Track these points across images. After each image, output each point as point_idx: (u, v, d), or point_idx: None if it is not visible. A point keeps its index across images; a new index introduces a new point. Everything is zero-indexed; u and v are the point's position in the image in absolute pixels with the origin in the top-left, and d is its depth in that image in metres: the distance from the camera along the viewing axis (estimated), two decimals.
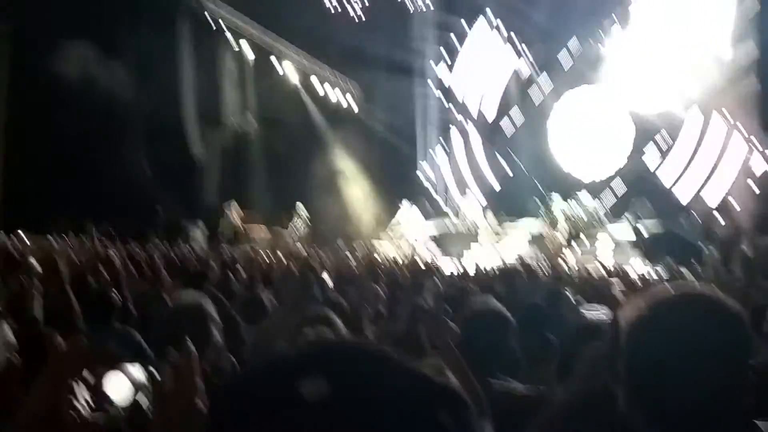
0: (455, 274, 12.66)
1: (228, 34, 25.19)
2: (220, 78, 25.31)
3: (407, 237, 23.26)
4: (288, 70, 26.28)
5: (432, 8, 26.64)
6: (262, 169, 26.00)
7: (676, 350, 1.44)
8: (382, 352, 0.82)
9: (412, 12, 26.54)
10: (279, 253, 17.38)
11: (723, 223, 20.99)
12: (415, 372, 0.80)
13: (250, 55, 25.80)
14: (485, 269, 12.76)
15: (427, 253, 21.32)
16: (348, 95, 27.98)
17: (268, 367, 0.81)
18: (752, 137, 21.72)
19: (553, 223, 21.93)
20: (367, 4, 28.07)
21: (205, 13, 24.32)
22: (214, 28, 24.84)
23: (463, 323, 3.45)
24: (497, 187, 26.00)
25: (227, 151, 26.68)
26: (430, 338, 3.19)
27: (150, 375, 1.21)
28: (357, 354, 0.81)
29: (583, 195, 23.22)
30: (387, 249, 22.35)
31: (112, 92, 21.77)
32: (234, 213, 24.54)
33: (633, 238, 21.46)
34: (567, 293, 7.88)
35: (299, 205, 24.36)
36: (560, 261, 19.53)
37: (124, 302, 5.68)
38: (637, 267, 17.66)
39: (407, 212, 23.27)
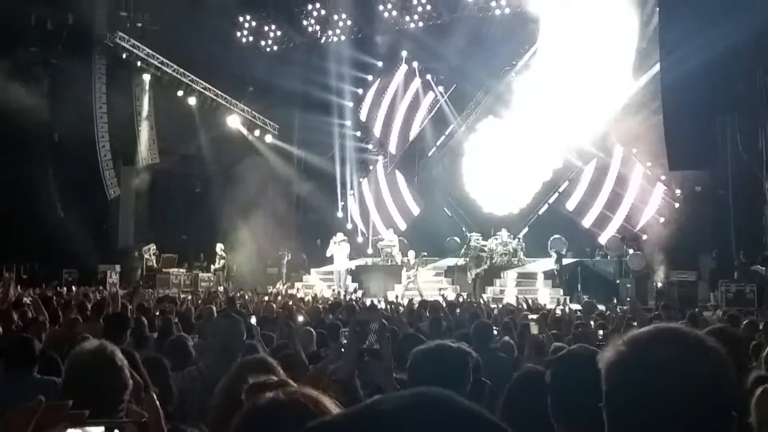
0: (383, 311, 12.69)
1: (143, 73, 24.87)
2: (135, 117, 24.90)
3: (334, 271, 23.15)
4: (204, 106, 26.05)
5: (348, 47, 27.01)
6: (178, 208, 25.56)
7: (658, 385, 1.46)
8: (484, 416, 0.79)
9: (327, 52, 26.86)
10: (200, 295, 17.08)
11: (636, 258, 21.63)
12: None
13: (166, 94, 25.47)
14: (409, 306, 12.82)
15: (350, 291, 21.30)
16: (266, 132, 27.91)
17: (369, 424, 0.77)
18: (661, 175, 22.58)
19: (474, 262, 22.22)
20: (283, 45, 28.33)
21: (122, 52, 23.97)
22: (130, 66, 24.50)
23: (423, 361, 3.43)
24: (418, 226, 26.27)
25: (142, 190, 26.16)
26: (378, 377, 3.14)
27: None
28: (472, 419, 0.78)
29: (503, 233, 23.66)
30: (308, 288, 22.24)
31: (26, 131, 21.19)
32: (152, 256, 24.04)
33: (550, 274, 21.93)
34: (492, 328, 8.01)
35: (219, 246, 24.05)
36: (480, 297, 19.81)
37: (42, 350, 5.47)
38: (555, 302, 18.04)
39: (337, 247, 23.17)
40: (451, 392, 0.86)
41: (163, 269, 23.68)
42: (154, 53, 24.52)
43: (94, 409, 1.13)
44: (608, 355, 1.55)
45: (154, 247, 24.19)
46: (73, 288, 16.82)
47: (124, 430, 1.13)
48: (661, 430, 1.47)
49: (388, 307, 12.46)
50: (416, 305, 12.70)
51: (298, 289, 22.03)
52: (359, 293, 21.04)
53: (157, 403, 1.12)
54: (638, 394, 1.49)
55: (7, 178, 20.75)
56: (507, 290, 21.23)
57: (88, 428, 1.13)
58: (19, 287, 13.67)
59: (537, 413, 3.00)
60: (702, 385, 1.47)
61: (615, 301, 18.63)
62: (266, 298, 16.21)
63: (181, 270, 24.03)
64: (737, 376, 1.61)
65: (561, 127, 23.76)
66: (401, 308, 12.32)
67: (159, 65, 24.72)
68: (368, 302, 16.27)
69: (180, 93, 25.46)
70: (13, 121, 20.38)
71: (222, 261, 24.04)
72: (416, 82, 27.66)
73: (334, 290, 21.24)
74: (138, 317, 7.86)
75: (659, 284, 20.76)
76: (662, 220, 22.39)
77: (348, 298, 17.85)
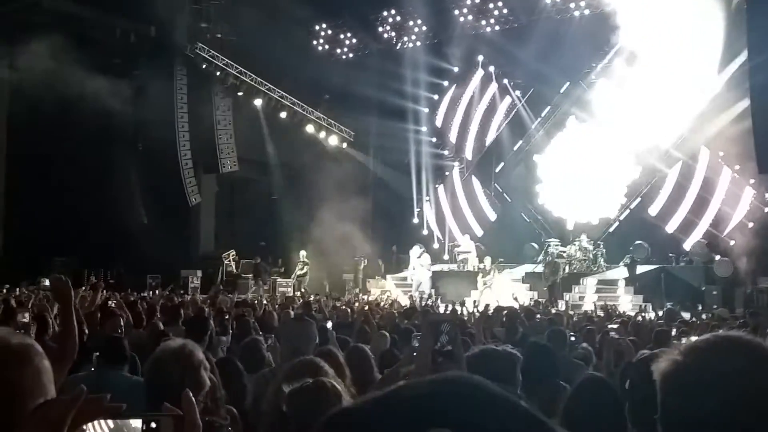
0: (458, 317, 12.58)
1: (222, 83, 25.42)
2: (215, 124, 25.50)
3: (413, 280, 23.20)
4: (281, 114, 26.45)
5: (423, 53, 26.99)
6: (256, 215, 25.99)
7: (718, 399, 1.35)
8: (526, 408, 0.76)
9: (403, 58, 26.89)
10: (277, 299, 17.30)
11: (723, 264, 20.82)
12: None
13: (245, 102, 26.00)
14: (485, 311, 12.67)
15: (425, 297, 21.22)
16: (341, 139, 28.13)
17: (389, 411, 0.74)
18: (750, 178, 21.69)
19: (551, 268, 21.81)
20: (358, 52, 28.52)
21: (202, 62, 24.61)
22: (210, 76, 25.10)
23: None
24: (495, 232, 25.99)
25: (222, 197, 26.76)
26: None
27: (150, 429, 1.15)
28: (498, 405, 0.75)
29: (582, 239, 23.20)
30: (383, 294, 22.28)
31: (110, 139, 21.98)
32: (231, 261, 24.52)
33: (630, 281, 21.35)
34: (569, 335, 7.83)
35: (303, 252, 24.24)
36: (555, 301, 19.46)
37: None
38: (636, 308, 17.58)
39: (417, 256, 23.28)
40: (481, 378, 0.81)
41: (243, 275, 24.14)
42: (232, 63, 25.06)
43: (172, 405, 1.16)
44: (664, 365, 1.45)
45: (234, 252, 24.67)
46: (158, 292, 17.32)
47: (159, 423, 1.12)
48: None
49: (464, 310, 12.35)
50: (491, 311, 12.54)
51: (375, 297, 22.04)
52: (433, 299, 20.87)
53: (193, 399, 1.09)
54: (696, 408, 1.38)
55: (94, 186, 21.59)
56: (586, 297, 20.78)
57: (125, 420, 1.14)
58: (104, 291, 14.11)
59: (597, 419, 2.92)
60: (766, 400, 1.35)
61: (700, 308, 17.95)
62: (342, 304, 16.28)
63: (259, 275, 24.45)
64: None
65: (643, 130, 23.10)
66: (477, 314, 12.16)
67: (237, 74, 25.25)
68: (442, 308, 16.22)
69: (258, 102, 25.95)
70: (99, 130, 21.18)
71: (306, 267, 24.25)
72: (493, 87, 27.38)
73: (412, 297, 21.06)
74: (223, 321, 7.99)
75: (747, 291, 19.94)
76: (751, 225, 21.45)
77: (424, 303, 17.75)
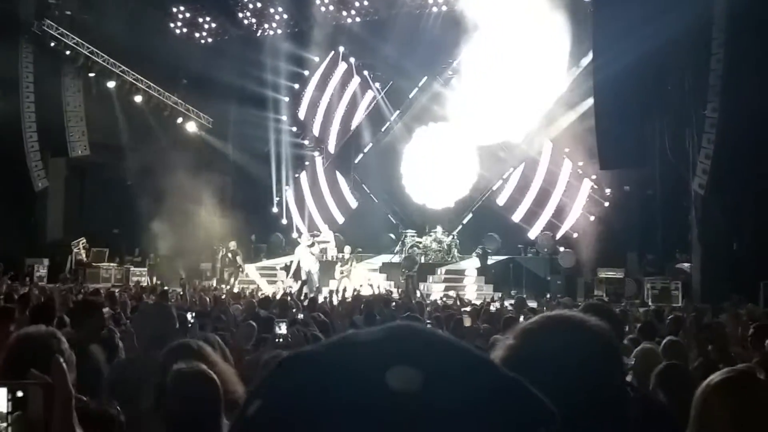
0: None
1: (73, 63, 24.12)
2: (64, 107, 24.17)
3: (303, 270, 22.72)
4: (136, 98, 25.42)
5: (284, 41, 26.83)
6: (110, 201, 24.91)
7: (549, 373, 1.37)
8: (479, 352, 0.77)
9: (263, 45, 26.61)
10: (132, 288, 16.80)
11: (567, 256, 22.02)
12: (515, 381, 0.77)
13: (97, 84, 24.82)
14: (344, 299, 12.90)
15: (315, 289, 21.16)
16: (199, 126, 27.41)
17: (350, 348, 0.73)
18: (592, 174, 23.01)
19: (408, 259, 22.30)
20: (218, 37, 27.97)
21: (50, 40, 23.25)
22: (59, 55, 23.77)
23: None
24: (354, 222, 26.29)
25: (72, 182, 25.47)
26: None
27: (16, 400, 1.12)
28: (452, 348, 0.75)
29: (438, 230, 23.92)
30: (239, 282, 22.07)
31: None
32: (81, 249, 23.47)
33: (482, 271, 22.17)
34: (425, 323, 8.13)
35: (232, 243, 23.35)
36: (413, 292, 19.95)
37: None
38: (481, 297, 18.28)
39: (308, 245, 22.91)
40: (424, 326, 0.85)
41: (94, 263, 23.17)
42: (83, 42, 23.84)
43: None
44: (500, 352, 1.52)
45: (84, 240, 23.64)
46: None
47: (27, 392, 1.10)
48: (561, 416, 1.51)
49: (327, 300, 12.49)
50: (350, 299, 12.77)
51: (235, 286, 21.73)
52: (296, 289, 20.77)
53: (65, 366, 1.11)
54: (536, 383, 1.50)
55: None
56: (434, 286, 21.40)
57: None
58: None
59: None
60: (596, 365, 1.48)
61: (548, 296, 18.98)
62: (201, 293, 15.99)
63: (112, 264, 23.56)
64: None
65: (495, 126, 24.02)
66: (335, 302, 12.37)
67: (89, 55, 24.04)
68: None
69: (111, 84, 24.84)
70: None
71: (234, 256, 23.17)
72: (353, 78, 27.63)
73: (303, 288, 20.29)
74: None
75: (588, 281, 21.23)
76: (592, 218, 22.85)
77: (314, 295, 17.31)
